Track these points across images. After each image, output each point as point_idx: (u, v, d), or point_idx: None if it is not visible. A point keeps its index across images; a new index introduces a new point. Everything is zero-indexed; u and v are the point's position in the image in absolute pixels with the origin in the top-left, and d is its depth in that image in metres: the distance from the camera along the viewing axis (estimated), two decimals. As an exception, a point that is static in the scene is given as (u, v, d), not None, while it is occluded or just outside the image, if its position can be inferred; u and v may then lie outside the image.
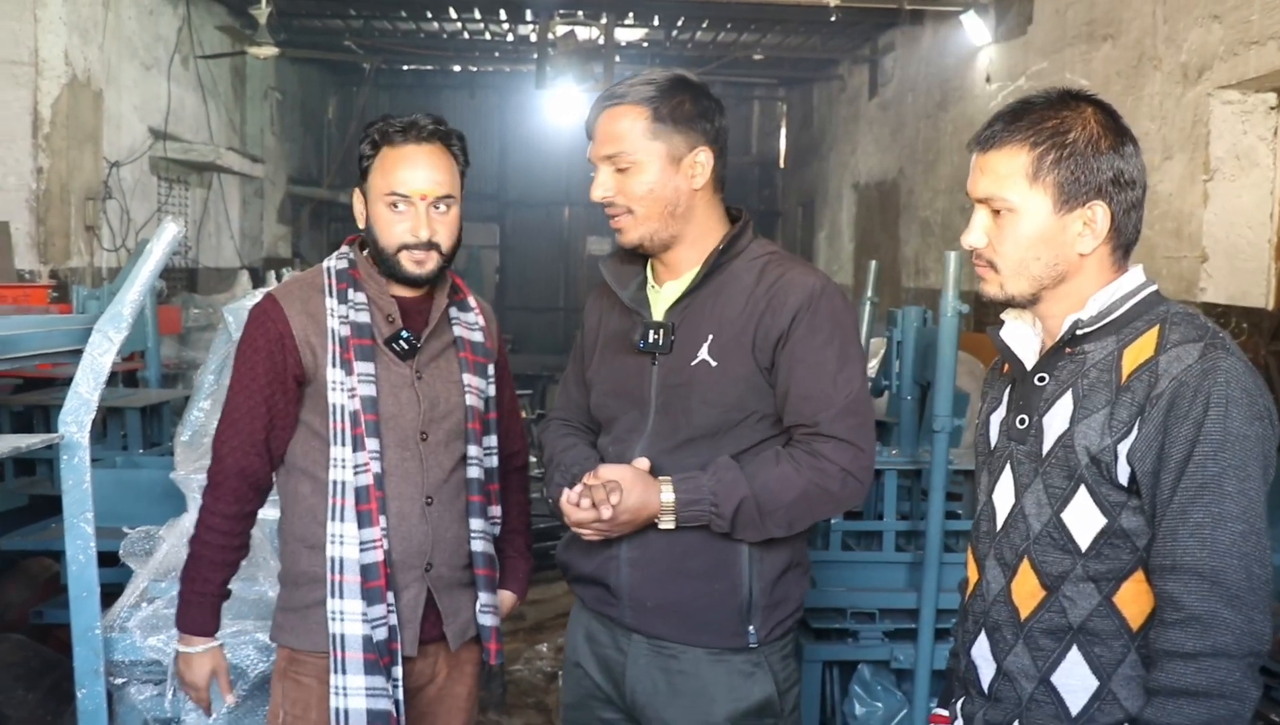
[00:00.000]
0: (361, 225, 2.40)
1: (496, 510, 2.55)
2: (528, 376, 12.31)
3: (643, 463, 2.21)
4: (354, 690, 2.26)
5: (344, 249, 2.46)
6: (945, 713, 2.05)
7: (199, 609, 2.40)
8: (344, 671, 2.27)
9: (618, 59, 12.87)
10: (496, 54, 15.64)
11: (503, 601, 2.57)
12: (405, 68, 17.68)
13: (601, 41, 12.14)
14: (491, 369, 2.54)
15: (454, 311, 2.49)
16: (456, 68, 17.96)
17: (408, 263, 2.34)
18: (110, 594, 3.02)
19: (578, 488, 2.17)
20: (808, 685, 3.74)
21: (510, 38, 14.39)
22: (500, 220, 20.24)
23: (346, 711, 2.26)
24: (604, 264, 2.38)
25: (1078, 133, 1.74)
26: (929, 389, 3.78)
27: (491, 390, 2.53)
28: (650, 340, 2.25)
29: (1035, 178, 1.75)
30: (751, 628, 2.21)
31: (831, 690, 3.87)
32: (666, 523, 2.15)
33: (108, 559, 3.04)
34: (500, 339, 2.64)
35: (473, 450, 2.45)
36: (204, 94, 11.54)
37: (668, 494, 2.13)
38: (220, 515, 2.38)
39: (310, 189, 15.13)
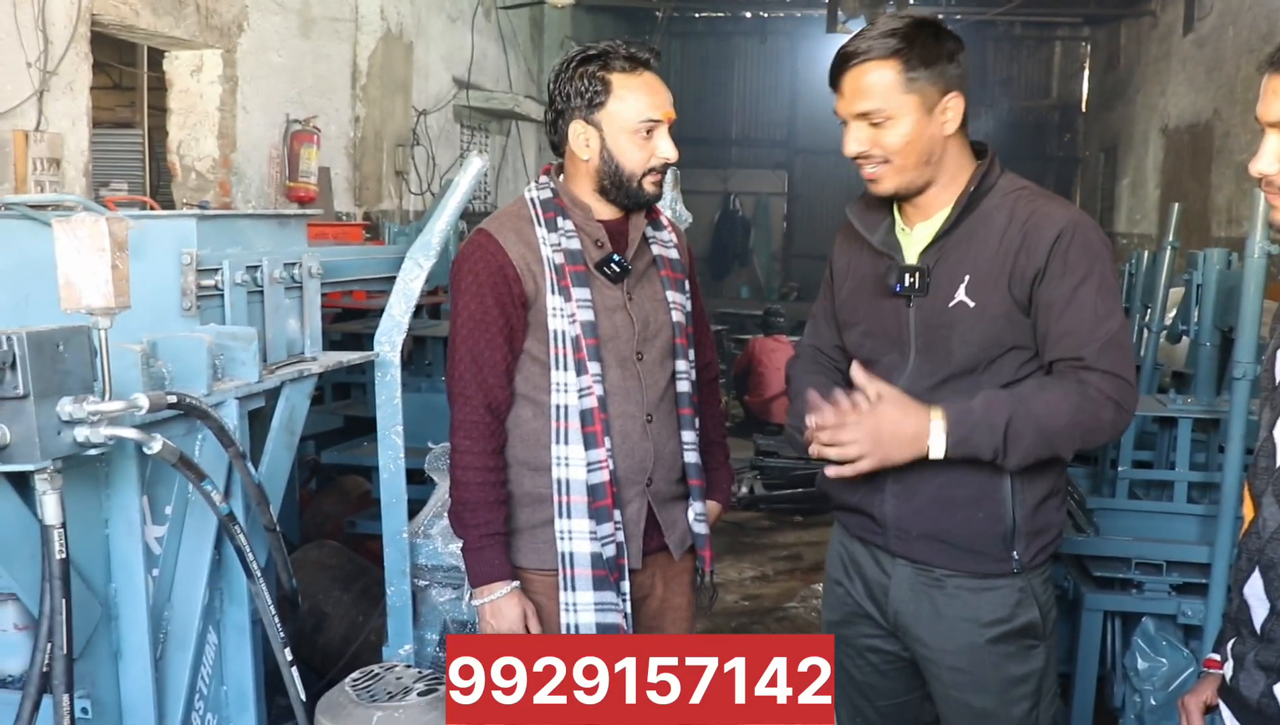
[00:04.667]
0: (585, 157, 2.40)
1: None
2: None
3: None
4: (584, 606, 2.36)
5: (544, 179, 2.51)
6: (1218, 656, 1.98)
7: (491, 552, 2.40)
8: (573, 588, 2.37)
9: (911, 1, 12.56)
10: (788, -1, 15.55)
11: (709, 511, 2.63)
12: (697, 15, 17.82)
13: (895, -18, 11.88)
14: (687, 284, 2.59)
15: (649, 231, 2.54)
16: (747, 14, 17.97)
17: (649, 185, 2.42)
18: (416, 509, 3.25)
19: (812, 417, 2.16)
20: (1087, 635, 3.66)
21: (802, -19, 14.30)
22: (789, 167, 20.11)
23: (577, 626, 2.36)
24: (851, 208, 2.39)
25: None
26: (1231, 335, 3.60)
27: (689, 305, 2.58)
28: (906, 283, 2.25)
29: None
30: (1016, 553, 2.23)
31: (1111, 642, 3.76)
32: (937, 447, 2.11)
33: (413, 476, 3.28)
34: (690, 254, 2.69)
35: (681, 365, 2.52)
36: (504, 44, 12.03)
37: (937, 416, 2.11)
38: (482, 454, 2.41)
39: (603, 135, 15.47)
